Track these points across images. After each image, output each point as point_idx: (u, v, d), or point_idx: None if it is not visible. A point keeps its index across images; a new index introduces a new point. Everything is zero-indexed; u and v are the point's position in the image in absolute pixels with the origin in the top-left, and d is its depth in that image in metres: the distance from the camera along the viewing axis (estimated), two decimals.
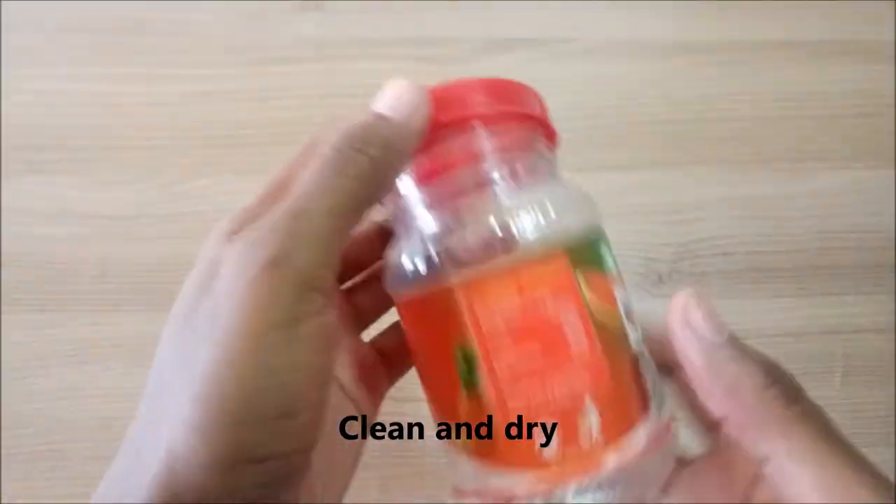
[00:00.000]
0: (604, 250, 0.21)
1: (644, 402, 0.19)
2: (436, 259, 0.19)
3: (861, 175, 0.49)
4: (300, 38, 0.54)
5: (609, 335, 0.19)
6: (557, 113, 0.51)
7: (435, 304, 0.18)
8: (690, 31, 0.56)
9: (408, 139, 0.21)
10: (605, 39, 0.55)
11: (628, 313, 0.21)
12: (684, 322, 0.22)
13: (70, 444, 0.37)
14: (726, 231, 0.46)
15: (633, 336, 0.20)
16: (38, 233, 0.43)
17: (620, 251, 0.45)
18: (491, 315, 0.17)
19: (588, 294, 0.18)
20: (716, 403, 0.22)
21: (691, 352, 0.21)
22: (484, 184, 0.21)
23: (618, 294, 0.20)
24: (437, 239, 0.20)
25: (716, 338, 0.21)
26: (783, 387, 0.22)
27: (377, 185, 0.21)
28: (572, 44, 0.55)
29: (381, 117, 0.22)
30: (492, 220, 0.18)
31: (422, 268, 0.20)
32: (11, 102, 0.49)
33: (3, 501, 0.36)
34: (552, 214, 0.18)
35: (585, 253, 0.19)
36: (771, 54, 0.55)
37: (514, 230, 0.18)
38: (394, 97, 0.22)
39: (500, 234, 0.18)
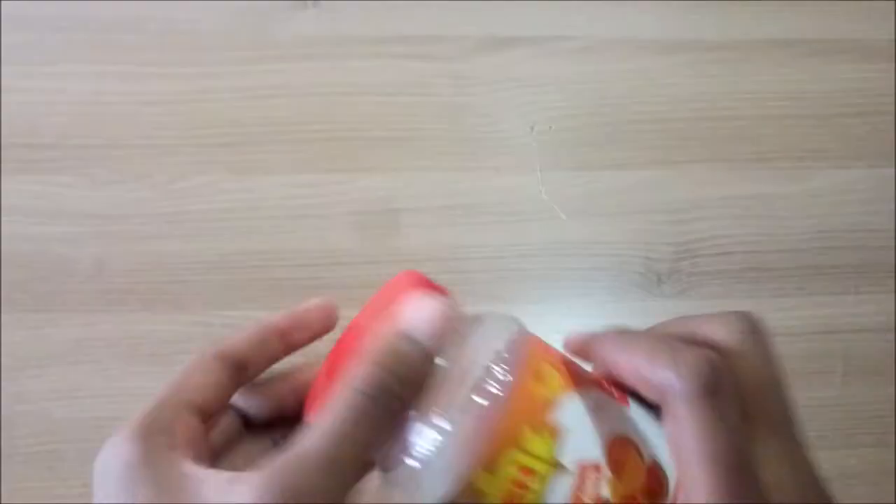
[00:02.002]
0: None
1: None
2: None
3: (861, 174, 0.48)
4: (297, 35, 0.54)
5: None
6: (556, 111, 0.52)
7: None
8: (690, 30, 0.56)
9: (430, 367, 0.21)
10: (603, 38, 0.55)
11: None
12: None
13: (65, 444, 0.37)
14: (726, 230, 0.46)
15: None
16: (32, 232, 0.43)
17: (620, 250, 0.45)
18: None
19: None
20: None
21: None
22: None
23: None
24: None
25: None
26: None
27: (398, 421, 0.20)
28: (571, 42, 0.55)
29: (410, 340, 0.21)
30: None
31: None
32: (6, 101, 0.49)
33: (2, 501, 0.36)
34: None
35: None
36: (771, 53, 0.55)
37: None
38: (422, 319, 0.21)
39: None
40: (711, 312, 0.24)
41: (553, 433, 0.20)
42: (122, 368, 0.39)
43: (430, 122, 0.49)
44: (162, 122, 0.48)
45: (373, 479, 0.21)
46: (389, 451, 0.20)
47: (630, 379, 0.22)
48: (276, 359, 0.24)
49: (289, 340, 0.24)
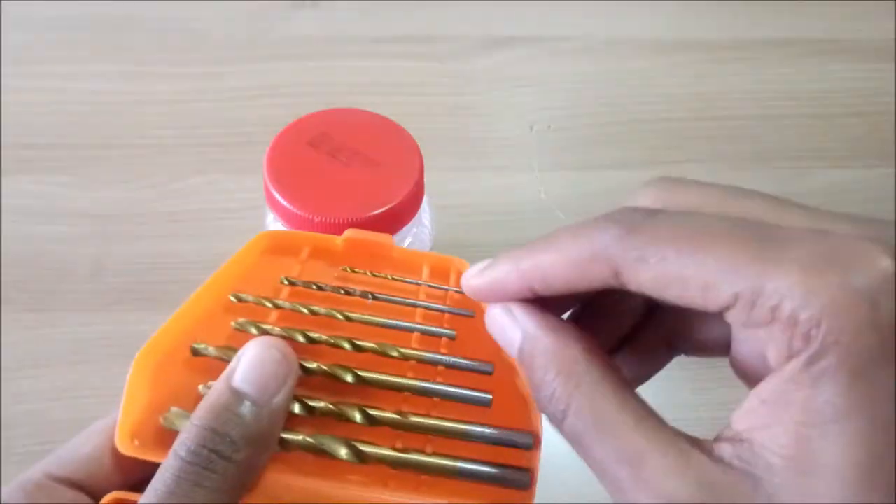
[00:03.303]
0: None
1: None
2: None
3: (860, 174, 0.48)
4: (296, 35, 0.54)
5: None
6: (555, 111, 0.51)
7: None
8: (689, 30, 0.56)
9: (276, 422, 0.19)
10: (603, 37, 0.55)
11: None
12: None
13: (64, 444, 0.37)
14: None
15: None
16: (31, 231, 0.43)
17: None
18: None
19: None
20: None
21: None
22: None
23: None
24: None
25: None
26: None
27: (242, 487, 0.18)
28: (570, 41, 0.55)
29: (242, 396, 0.18)
30: None
31: None
32: (5, 101, 0.49)
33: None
34: None
35: None
36: (770, 53, 0.55)
37: None
38: (255, 367, 0.19)
39: None
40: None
41: None
42: (121, 368, 0.38)
43: (428, 121, 0.49)
44: (161, 121, 0.48)
45: None
46: None
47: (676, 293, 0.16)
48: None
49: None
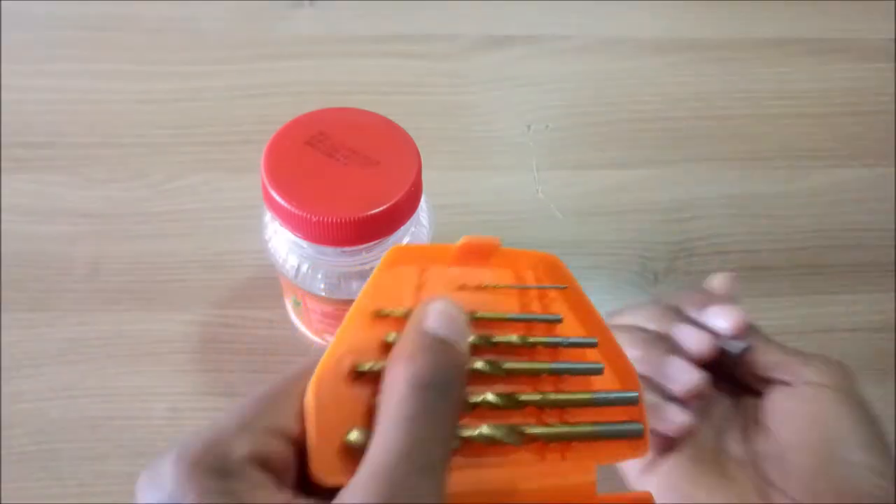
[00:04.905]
0: None
1: None
2: None
3: (859, 173, 0.48)
4: (293, 34, 0.54)
5: None
6: (553, 110, 0.51)
7: None
8: (687, 29, 0.56)
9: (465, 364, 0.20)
10: (600, 37, 0.55)
11: None
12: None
13: (61, 443, 0.37)
14: (723, 229, 0.46)
15: None
16: (28, 231, 0.43)
17: (616, 249, 0.45)
18: None
19: None
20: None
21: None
22: None
23: None
24: None
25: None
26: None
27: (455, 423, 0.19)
28: (567, 41, 0.55)
29: (447, 343, 0.19)
30: None
31: None
32: (4, 100, 0.49)
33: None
34: None
35: None
36: (769, 52, 0.55)
37: None
38: (448, 317, 0.20)
39: None
40: (806, 355, 0.30)
41: None
42: (118, 368, 0.39)
43: (426, 120, 0.49)
44: (158, 120, 0.48)
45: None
46: None
47: (767, 369, 0.30)
48: None
49: None
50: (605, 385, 0.23)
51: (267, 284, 0.40)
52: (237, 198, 0.45)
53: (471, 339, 0.21)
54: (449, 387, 0.19)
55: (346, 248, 0.30)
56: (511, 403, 0.21)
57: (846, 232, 0.46)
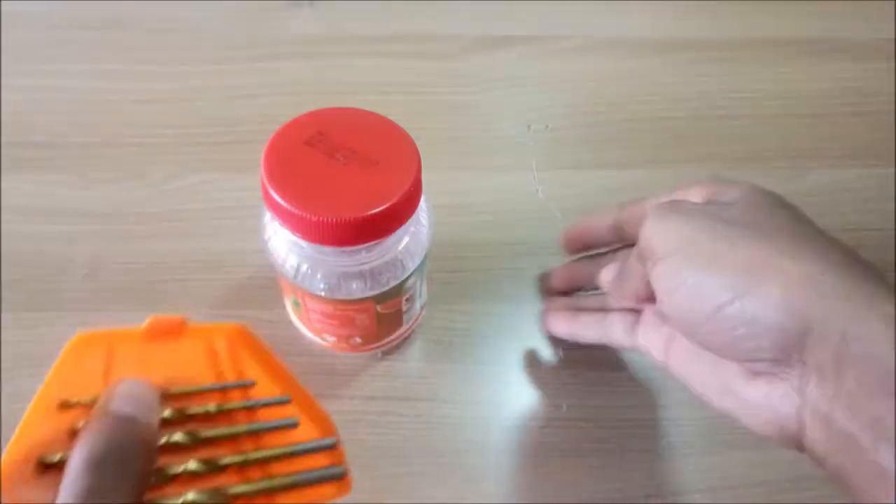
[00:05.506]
0: (403, 288, 0.34)
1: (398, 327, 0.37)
2: None
3: (858, 173, 0.48)
4: (292, 34, 0.54)
5: (385, 317, 0.35)
6: (552, 111, 0.51)
7: None
8: (687, 29, 0.56)
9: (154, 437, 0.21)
10: (599, 37, 0.55)
11: (411, 297, 0.36)
12: None
13: None
14: None
15: (407, 305, 0.36)
16: (27, 231, 0.43)
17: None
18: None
19: (379, 307, 0.34)
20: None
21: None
22: None
23: (404, 298, 0.35)
24: None
25: None
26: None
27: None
28: (567, 41, 0.55)
29: (128, 419, 0.20)
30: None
31: None
32: (4, 99, 0.49)
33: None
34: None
35: (385, 296, 0.33)
36: (768, 52, 0.55)
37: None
38: (131, 396, 0.21)
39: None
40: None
41: None
42: None
43: (425, 120, 0.49)
44: (158, 120, 0.48)
45: None
46: None
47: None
48: None
49: None
50: (305, 436, 0.24)
51: (267, 284, 0.40)
52: (237, 198, 0.45)
53: (165, 414, 0.22)
54: (126, 463, 0.19)
55: (346, 248, 0.30)
56: (213, 468, 0.22)
57: (846, 232, 0.46)
